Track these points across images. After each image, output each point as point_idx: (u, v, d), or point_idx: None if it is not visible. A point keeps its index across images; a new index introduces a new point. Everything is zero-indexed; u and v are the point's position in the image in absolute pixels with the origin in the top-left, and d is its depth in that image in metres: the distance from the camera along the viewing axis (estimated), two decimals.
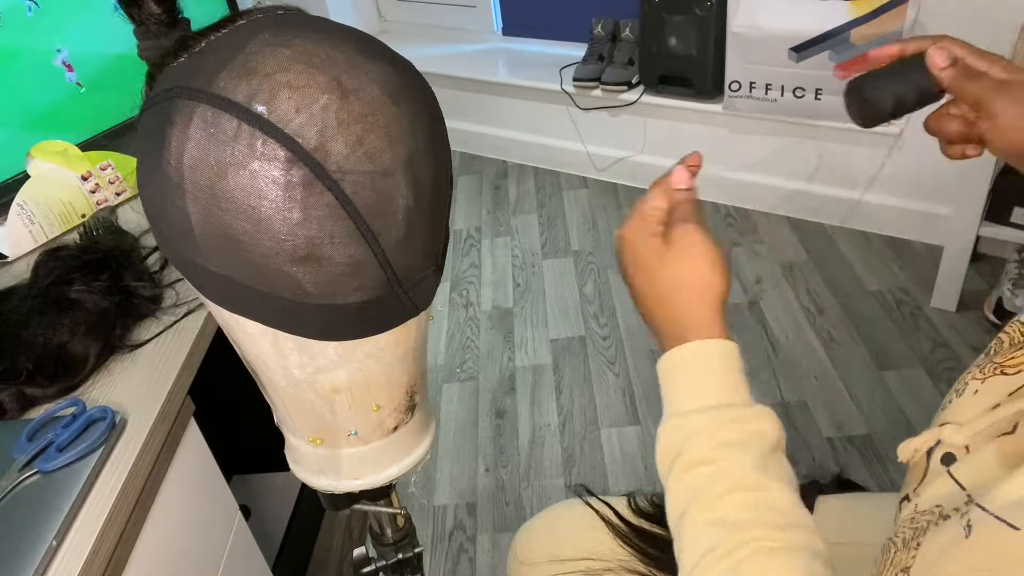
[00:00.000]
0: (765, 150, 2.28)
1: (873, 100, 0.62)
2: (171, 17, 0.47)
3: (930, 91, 0.60)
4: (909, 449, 0.48)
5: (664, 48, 2.22)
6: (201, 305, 0.87)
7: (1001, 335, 0.50)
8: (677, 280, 0.52)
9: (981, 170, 1.62)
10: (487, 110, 2.78)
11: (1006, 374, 0.46)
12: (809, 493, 0.72)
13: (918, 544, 0.41)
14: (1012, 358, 0.47)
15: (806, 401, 1.69)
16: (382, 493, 0.63)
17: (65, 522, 0.63)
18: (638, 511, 0.76)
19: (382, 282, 0.43)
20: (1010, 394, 0.45)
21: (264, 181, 0.38)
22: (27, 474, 0.67)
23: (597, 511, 0.76)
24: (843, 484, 0.76)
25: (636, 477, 1.58)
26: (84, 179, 1.07)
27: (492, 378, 1.89)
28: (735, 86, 2.14)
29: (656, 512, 0.75)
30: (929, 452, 0.47)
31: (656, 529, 0.74)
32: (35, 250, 1.00)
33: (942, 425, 0.47)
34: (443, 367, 1.94)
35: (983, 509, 0.36)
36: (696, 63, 2.20)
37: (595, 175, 2.66)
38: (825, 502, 0.71)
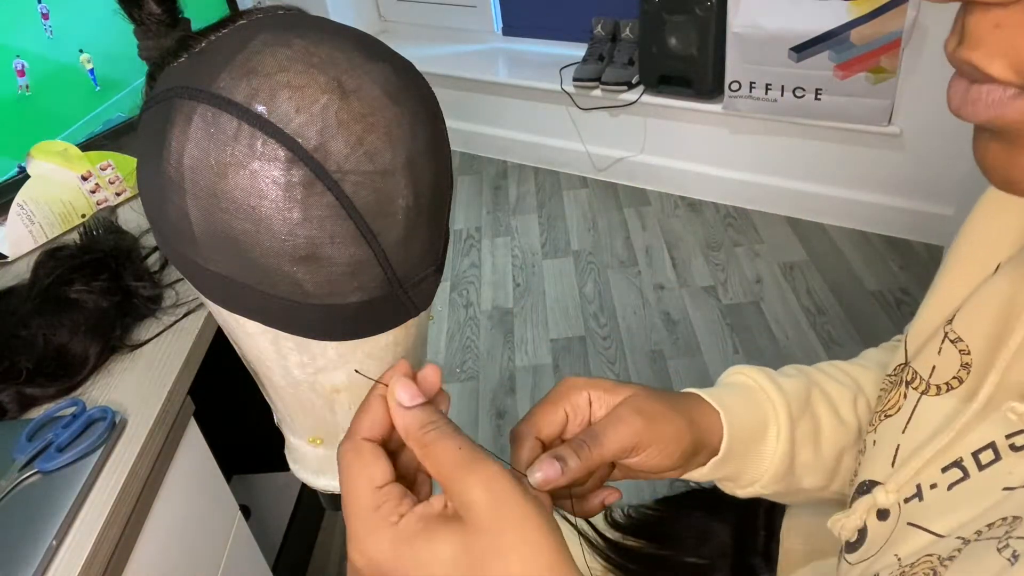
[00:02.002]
0: (765, 150, 2.28)
1: None
2: (171, 17, 0.47)
3: None
4: (851, 527, 0.47)
5: (664, 48, 2.22)
6: (201, 305, 0.87)
7: (880, 393, 0.52)
8: None
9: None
10: (487, 110, 2.78)
11: (889, 416, 0.48)
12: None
13: None
14: (888, 401, 0.49)
15: None
16: None
17: (65, 522, 0.63)
18: (614, 524, 0.75)
19: (382, 282, 0.43)
20: (903, 431, 0.46)
21: (264, 181, 0.38)
22: (27, 474, 0.67)
23: (573, 524, 0.75)
24: None
25: None
26: (84, 179, 1.07)
27: (492, 378, 1.89)
28: (735, 86, 2.14)
29: (631, 525, 0.75)
30: None
31: (631, 542, 0.73)
32: (35, 250, 1.00)
33: (866, 485, 0.47)
34: (443, 367, 1.94)
35: None
36: (696, 63, 2.20)
37: (595, 175, 2.66)
38: (796, 508, 0.72)
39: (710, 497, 0.77)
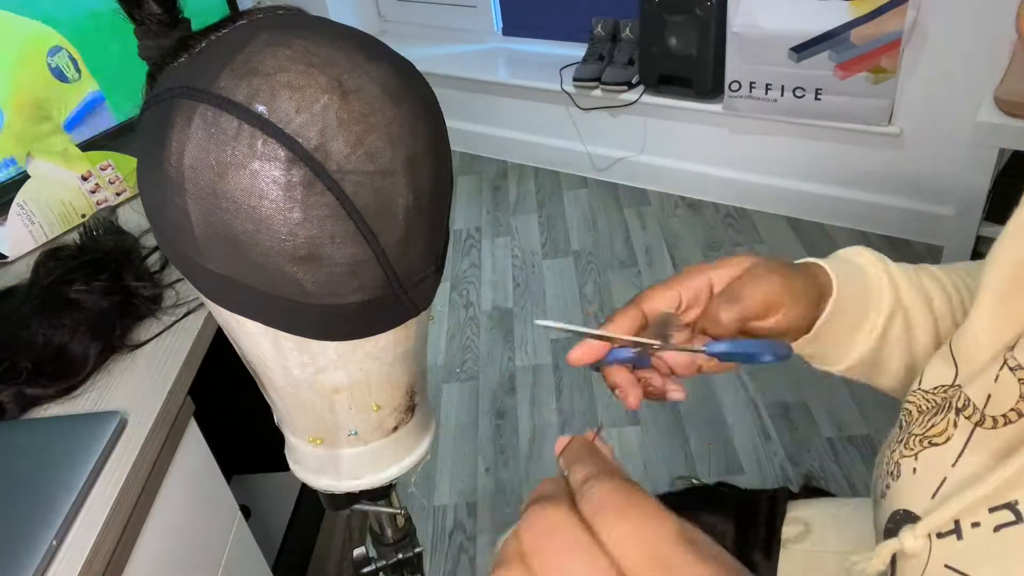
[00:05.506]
0: (765, 150, 2.28)
1: None
2: (171, 17, 0.47)
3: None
4: (872, 572, 0.44)
5: (664, 48, 2.22)
6: (201, 305, 0.87)
7: (907, 405, 0.48)
8: None
9: (981, 170, 1.62)
10: (487, 110, 2.78)
11: (936, 444, 0.44)
12: (780, 499, 0.73)
13: None
14: (933, 427, 0.44)
15: (806, 401, 1.69)
16: (382, 493, 0.63)
17: (65, 522, 0.63)
18: None
19: (382, 282, 0.43)
20: (953, 464, 0.42)
21: (265, 181, 0.38)
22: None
23: None
24: (812, 491, 0.76)
25: (636, 477, 1.58)
26: (84, 179, 1.07)
27: (492, 378, 1.89)
28: (735, 86, 2.14)
29: None
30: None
31: None
32: (35, 250, 1.00)
33: (900, 514, 0.44)
34: (443, 367, 1.94)
35: None
36: (696, 63, 2.20)
37: (595, 175, 2.66)
38: (796, 508, 0.72)
39: (711, 493, 0.77)
